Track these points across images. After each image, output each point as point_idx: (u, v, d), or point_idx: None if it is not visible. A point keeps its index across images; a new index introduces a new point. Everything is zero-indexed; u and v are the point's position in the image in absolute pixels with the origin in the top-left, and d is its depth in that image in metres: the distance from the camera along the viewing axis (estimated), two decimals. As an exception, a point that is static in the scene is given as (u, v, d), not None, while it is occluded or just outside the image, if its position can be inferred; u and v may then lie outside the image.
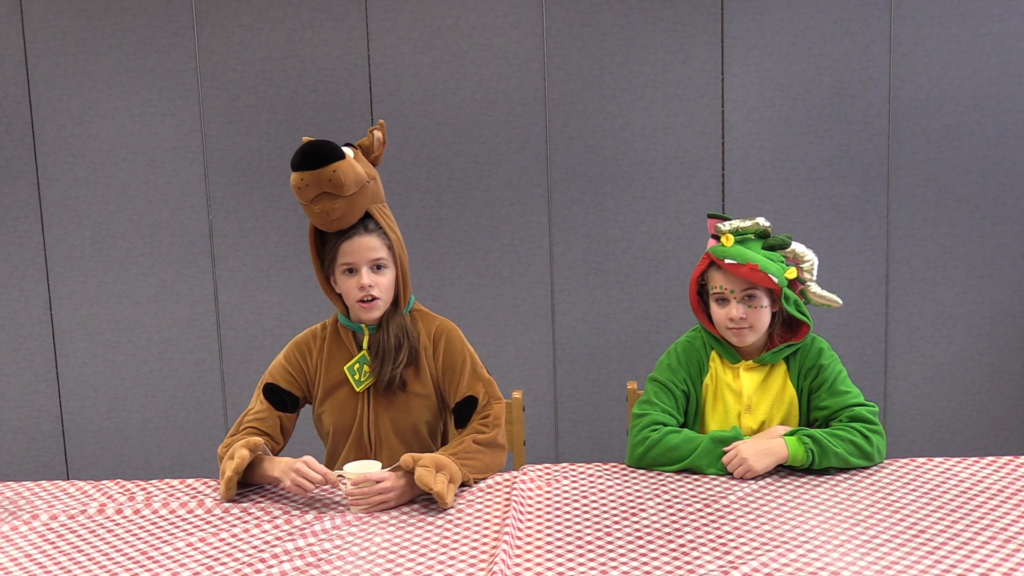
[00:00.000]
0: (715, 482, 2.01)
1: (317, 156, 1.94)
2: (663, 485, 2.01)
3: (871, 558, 1.63)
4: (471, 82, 3.56)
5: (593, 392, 3.70)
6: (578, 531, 1.80)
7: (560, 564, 1.66)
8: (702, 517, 1.83)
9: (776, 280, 2.09)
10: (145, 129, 3.61)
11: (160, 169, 3.63)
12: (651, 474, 2.08)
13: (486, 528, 1.83)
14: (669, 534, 1.76)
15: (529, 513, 1.89)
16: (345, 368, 2.15)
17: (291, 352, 2.20)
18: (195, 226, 3.65)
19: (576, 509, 1.90)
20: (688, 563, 1.64)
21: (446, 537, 1.79)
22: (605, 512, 1.88)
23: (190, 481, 2.13)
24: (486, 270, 3.64)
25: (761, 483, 1.99)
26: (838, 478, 2.01)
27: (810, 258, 2.16)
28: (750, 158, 3.56)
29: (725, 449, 2.06)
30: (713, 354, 2.21)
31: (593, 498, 1.96)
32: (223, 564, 1.70)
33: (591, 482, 2.04)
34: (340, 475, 1.94)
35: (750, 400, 2.17)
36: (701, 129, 3.55)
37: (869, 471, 2.05)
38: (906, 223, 3.57)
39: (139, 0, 3.54)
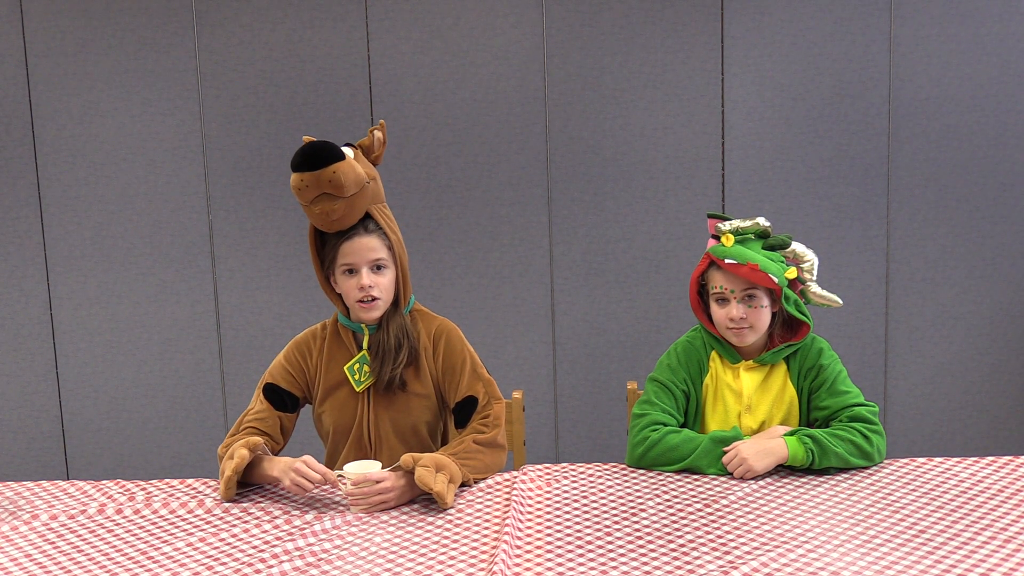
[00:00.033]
0: (715, 482, 2.01)
1: (317, 157, 1.94)
2: (663, 485, 2.01)
3: (871, 558, 1.63)
4: (471, 82, 3.56)
5: (593, 392, 3.70)
6: (578, 531, 1.80)
7: (560, 564, 1.66)
8: (702, 517, 1.83)
9: (776, 280, 2.09)
10: (145, 129, 3.61)
11: (160, 169, 3.63)
12: (651, 474, 2.08)
13: (486, 528, 1.83)
14: (669, 534, 1.76)
15: (529, 513, 1.89)
16: (345, 368, 2.15)
17: (291, 352, 2.20)
18: (195, 226, 3.65)
19: (576, 509, 1.90)
20: (688, 563, 1.64)
21: (446, 537, 1.79)
22: (605, 512, 1.88)
23: (190, 481, 2.13)
24: (486, 270, 3.64)
25: (761, 483, 1.99)
26: (838, 478, 2.01)
27: (810, 258, 2.16)
28: (750, 158, 3.56)
29: (725, 449, 2.06)
30: (713, 354, 2.21)
31: (593, 498, 1.96)
32: (223, 564, 1.70)
33: (591, 482, 2.04)
34: (340, 475, 1.94)
35: (750, 400, 2.17)
36: (701, 129, 3.55)
37: (869, 471, 2.04)
38: (906, 223, 3.57)
39: (139, 0, 3.54)
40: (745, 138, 3.55)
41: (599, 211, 3.60)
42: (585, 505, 1.92)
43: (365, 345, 2.14)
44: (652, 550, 1.70)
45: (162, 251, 3.67)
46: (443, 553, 1.72)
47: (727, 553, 1.67)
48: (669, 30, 3.51)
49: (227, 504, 1.99)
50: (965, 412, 3.67)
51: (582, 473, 2.10)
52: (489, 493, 2.01)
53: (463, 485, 2.05)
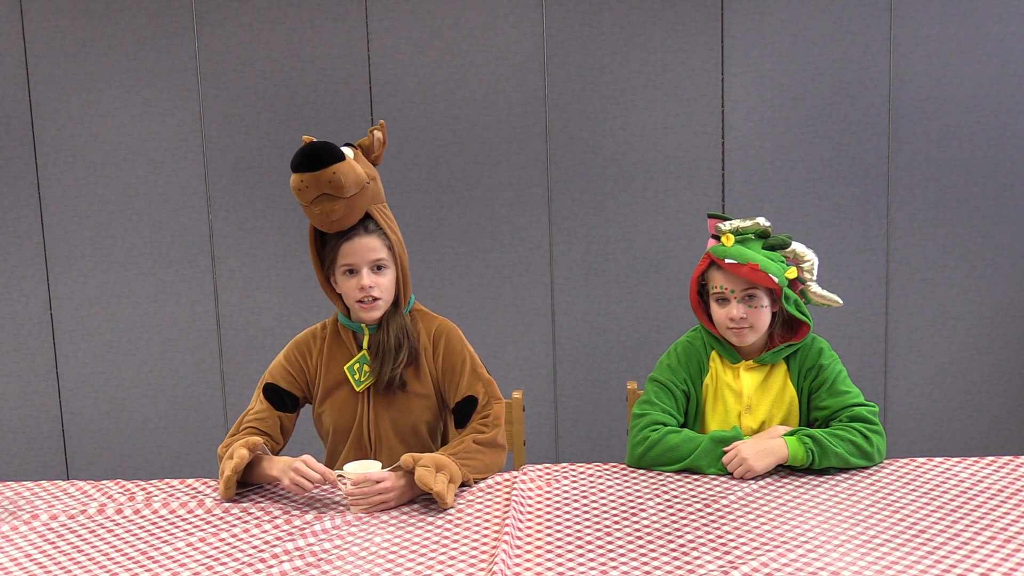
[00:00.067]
0: (715, 482, 2.01)
1: (317, 158, 1.94)
2: (663, 485, 2.01)
3: (871, 558, 1.63)
4: (471, 82, 3.56)
5: (593, 392, 3.70)
6: (578, 531, 1.80)
7: (560, 564, 1.66)
8: (702, 517, 1.83)
9: (776, 280, 2.09)
10: (145, 129, 3.61)
11: (160, 169, 3.63)
12: (651, 474, 2.08)
13: (486, 528, 1.83)
14: (669, 534, 1.76)
15: (529, 513, 1.89)
16: (345, 368, 2.15)
17: (291, 352, 2.20)
18: (195, 226, 3.65)
19: (576, 509, 1.90)
20: (688, 563, 1.64)
21: (446, 537, 1.79)
22: (605, 512, 1.88)
23: (190, 481, 2.13)
24: (486, 270, 3.64)
25: (761, 483, 1.99)
26: (838, 478, 2.01)
27: (810, 258, 2.16)
28: (750, 158, 3.56)
29: (725, 449, 2.06)
30: (713, 354, 2.21)
31: (593, 498, 1.96)
32: (223, 564, 1.70)
33: (591, 482, 2.04)
34: (340, 475, 1.94)
35: (750, 400, 2.17)
36: (701, 129, 3.55)
37: (869, 471, 2.04)
38: (906, 223, 3.57)
39: (139, 0, 3.54)
40: (745, 138, 3.55)
41: (599, 211, 3.60)
42: (585, 505, 1.92)
43: (365, 345, 2.14)
44: (652, 550, 1.70)
45: (162, 251, 3.67)
46: (443, 553, 1.72)
47: (727, 553, 1.67)
48: (669, 30, 3.51)
49: (227, 504, 1.99)
50: (965, 412, 3.67)
51: (582, 473, 2.10)
52: (489, 493, 2.01)
53: (463, 485, 2.05)
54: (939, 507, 1.84)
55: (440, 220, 3.62)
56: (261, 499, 2.02)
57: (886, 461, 2.10)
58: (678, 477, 2.05)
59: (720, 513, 1.85)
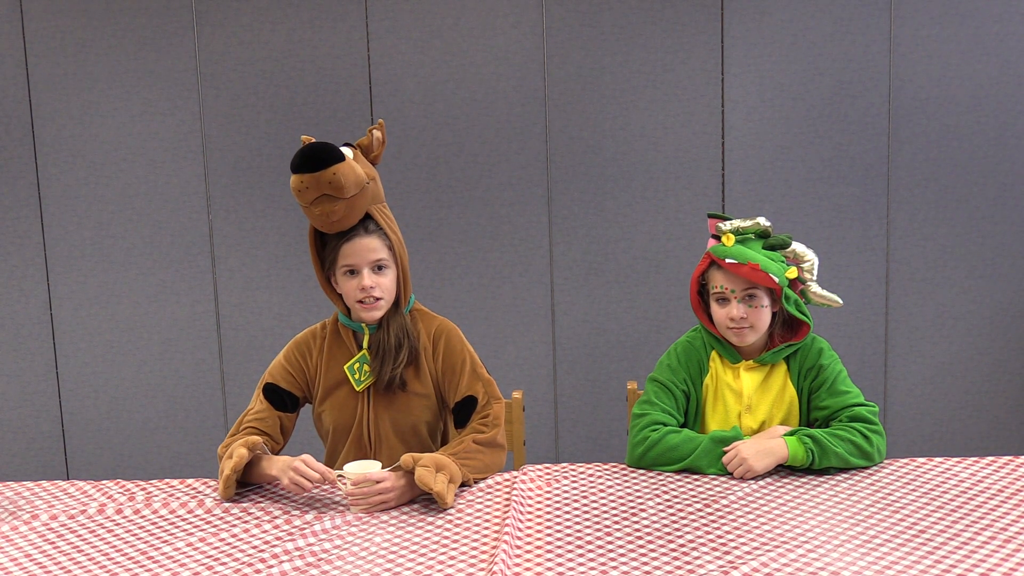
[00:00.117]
0: (715, 482, 2.01)
1: (317, 159, 1.94)
2: (663, 485, 2.01)
3: (871, 558, 1.63)
4: (471, 82, 3.56)
5: (593, 392, 3.70)
6: (578, 531, 1.80)
7: (560, 564, 1.66)
8: (702, 517, 1.83)
9: (777, 280, 2.09)
10: (145, 129, 3.61)
11: (160, 169, 3.63)
12: (651, 474, 2.08)
13: (486, 528, 1.83)
14: (669, 534, 1.76)
15: (529, 513, 1.89)
16: (345, 367, 2.15)
17: (291, 352, 2.20)
18: (195, 226, 3.65)
19: (576, 509, 1.90)
20: (688, 563, 1.64)
21: (446, 537, 1.79)
22: (605, 512, 1.88)
23: (190, 481, 2.13)
24: (486, 270, 3.64)
25: (761, 483, 1.99)
26: (838, 478, 2.01)
27: (810, 258, 2.16)
28: (750, 158, 3.56)
29: (725, 449, 2.06)
30: (713, 354, 2.21)
31: (593, 498, 1.96)
32: (223, 564, 1.70)
33: (591, 482, 2.04)
34: (340, 475, 1.94)
35: (750, 400, 2.17)
36: (701, 129, 3.55)
37: (869, 471, 2.04)
38: (906, 223, 3.57)
39: (139, 0, 3.54)
40: (745, 138, 3.55)
41: (599, 211, 3.60)
42: (585, 505, 1.92)
43: (365, 344, 2.14)
44: (652, 550, 1.70)
45: (162, 251, 3.67)
46: (443, 553, 1.72)
47: (727, 553, 1.67)
48: (669, 30, 3.51)
49: (227, 504, 1.99)
50: (965, 412, 3.67)
51: (582, 473, 2.10)
52: (489, 493, 2.01)
53: (463, 485, 2.05)
54: (939, 507, 1.84)
55: (440, 220, 3.62)
56: (261, 499, 2.02)
57: (886, 461, 2.10)
58: (678, 477, 2.05)
59: (720, 513, 1.85)
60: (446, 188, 3.60)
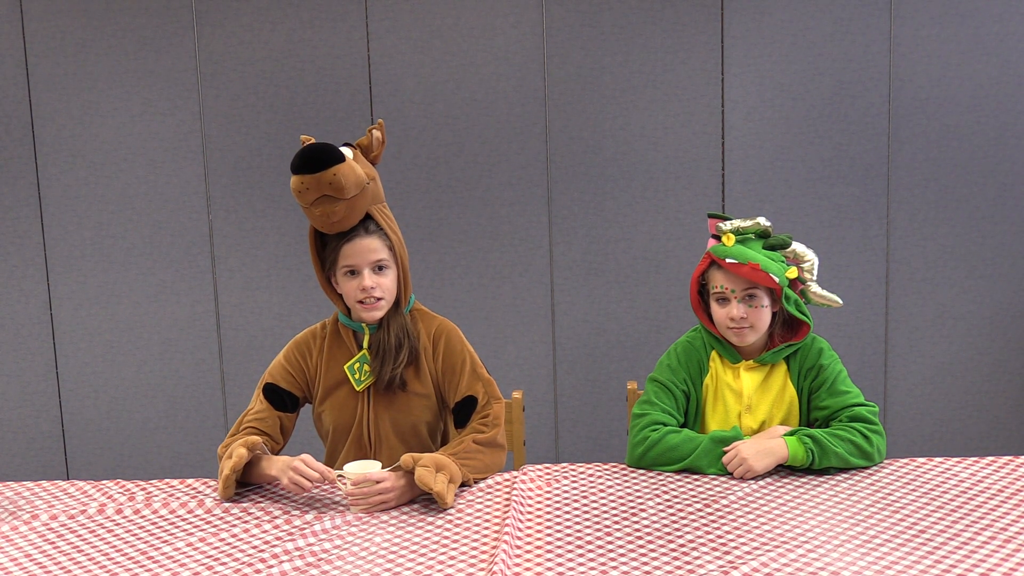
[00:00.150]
0: (715, 482, 2.01)
1: (317, 159, 1.94)
2: (663, 485, 2.01)
3: (871, 558, 1.63)
4: (471, 82, 3.56)
5: (593, 392, 3.70)
6: (578, 531, 1.80)
7: (560, 564, 1.66)
8: (702, 517, 1.83)
9: (777, 279, 2.09)
10: (145, 129, 3.61)
11: (160, 169, 3.63)
12: (651, 474, 2.08)
13: (486, 528, 1.83)
14: (669, 534, 1.76)
15: (529, 513, 1.89)
16: (345, 367, 2.15)
17: (291, 352, 2.20)
18: (195, 226, 3.65)
19: (576, 509, 1.90)
20: (688, 563, 1.64)
21: (446, 537, 1.79)
22: (605, 512, 1.88)
23: (190, 481, 2.13)
24: (486, 270, 3.64)
25: (761, 483, 1.99)
26: (838, 478, 2.01)
27: (810, 258, 2.16)
28: (750, 158, 3.56)
29: (725, 449, 2.06)
30: (713, 354, 2.21)
31: (593, 498, 1.96)
32: (223, 564, 1.70)
33: (591, 482, 2.04)
34: (340, 475, 1.94)
35: (750, 400, 2.17)
36: (701, 129, 3.55)
37: (869, 471, 2.04)
38: (906, 223, 3.57)
39: (139, 0, 3.54)
40: (745, 138, 3.55)
41: (599, 211, 3.60)
42: (585, 505, 1.92)
43: (365, 344, 2.14)
44: (652, 550, 1.70)
45: (162, 251, 3.67)
46: (443, 553, 1.72)
47: (727, 553, 1.67)
48: (669, 30, 3.51)
49: (227, 504, 1.99)
50: (965, 412, 3.67)
51: (582, 473, 2.10)
52: (489, 493, 2.01)
53: (463, 485, 2.05)
54: (939, 507, 1.84)
55: (440, 220, 3.62)
56: (261, 499, 2.02)
57: (886, 461, 2.10)
58: (678, 477, 2.05)
59: (720, 513, 1.85)
60: (446, 188, 3.60)
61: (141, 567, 1.70)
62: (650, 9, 3.50)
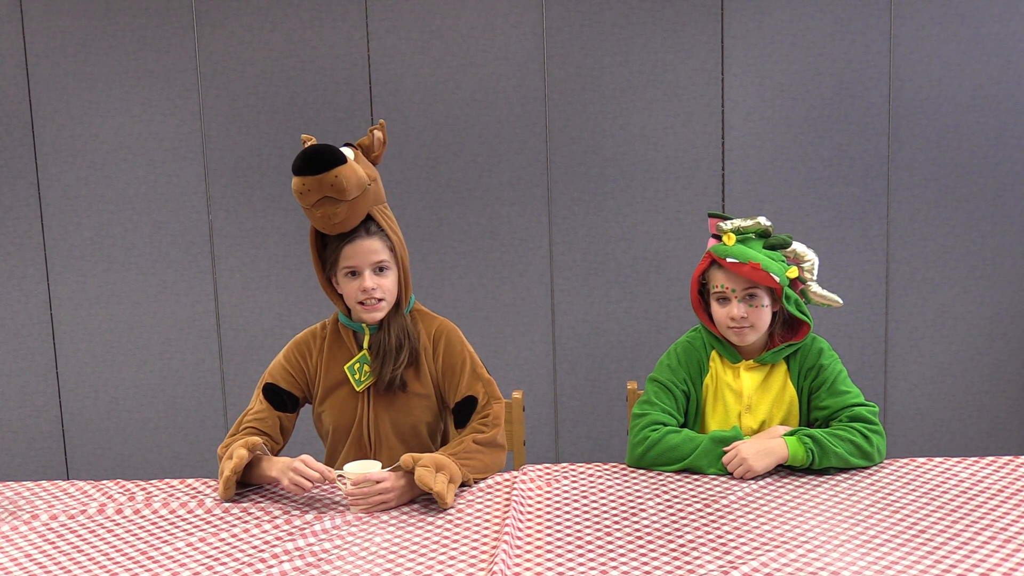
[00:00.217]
0: (715, 482, 2.01)
1: (319, 161, 1.94)
2: (663, 485, 2.01)
3: (871, 558, 1.63)
4: (471, 82, 3.56)
5: (593, 392, 3.70)
6: (578, 531, 1.80)
7: (560, 564, 1.66)
8: (702, 517, 1.83)
9: (777, 279, 2.09)
10: (145, 129, 3.61)
11: (160, 169, 3.63)
12: (651, 474, 2.08)
13: (486, 528, 1.83)
14: (669, 534, 1.76)
15: (529, 513, 1.89)
16: (345, 368, 2.15)
17: (291, 352, 2.20)
18: (195, 226, 3.65)
19: (576, 509, 1.90)
20: (688, 563, 1.64)
21: (446, 537, 1.79)
22: (605, 512, 1.88)
23: (190, 481, 2.13)
24: (486, 270, 3.64)
25: (761, 483, 1.99)
26: (838, 478, 2.01)
27: (811, 258, 2.17)
28: (750, 158, 3.56)
29: (725, 449, 2.06)
30: (713, 354, 2.21)
31: (593, 498, 1.96)
32: (223, 564, 1.70)
33: (591, 482, 2.04)
34: (340, 475, 1.94)
35: (750, 400, 2.17)
36: (701, 129, 3.55)
37: (869, 471, 2.04)
38: (906, 223, 3.57)
39: (139, 0, 3.54)
40: (745, 138, 3.55)
41: (599, 211, 3.60)
42: (585, 505, 1.92)
43: (366, 345, 2.14)
44: (652, 550, 1.70)
45: (162, 251, 3.67)
46: (443, 553, 1.72)
47: (727, 553, 1.67)
48: (669, 30, 3.51)
49: (227, 504, 1.99)
50: (965, 412, 3.67)
51: (582, 473, 2.10)
52: (489, 493, 2.01)
53: (463, 485, 2.05)
54: (939, 507, 1.84)
55: (440, 220, 3.63)
56: (261, 499, 2.02)
57: (886, 461, 2.10)
58: (678, 477, 2.05)
59: (720, 513, 1.85)
60: (446, 188, 3.60)
61: (141, 567, 1.70)
62: (650, 9, 3.50)
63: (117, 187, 3.64)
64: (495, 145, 3.58)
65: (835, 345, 3.54)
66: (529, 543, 1.75)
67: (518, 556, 1.69)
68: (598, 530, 1.80)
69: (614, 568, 1.63)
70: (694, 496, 1.94)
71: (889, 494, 1.91)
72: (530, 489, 2.01)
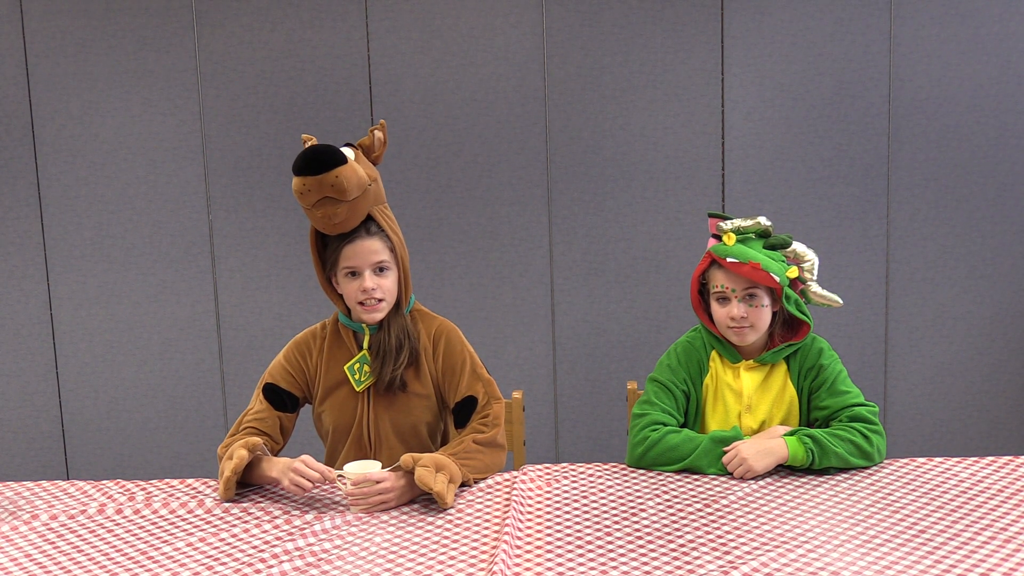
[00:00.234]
0: (715, 482, 2.01)
1: (319, 161, 1.94)
2: (663, 485, 2.01)
3: (871, 558, 1.63)
4: (471, 82, 3.56)
5: (593, 392, 3.70)
6: (578, 531, 1.80)
7: (560, 564, 1.66)
8: (702, 517, 1.83)
9: (777, 279, 2.09)
10: (145, 129, 3.61)
11: (160, 169, 3.63)
12: (651, 474, 2.08)
13: (486, 528, 1.83)
14: (669, 534, 1.76)
15: (529, 513, 1.89)
16: (345, 368, 2.15)
17: (291, 352, 2.20)
18: (195, 226, 3.65)
19: (576, 509, 1.90)
20: (688, 563, 1.64)
21: (446, 537, 1.79)
22: (605, 512, 1.88)
23: (190, 481, 2.13)
24: (486, 270, 3.64)
25: (761, 483, 1.99)
26: (838, 478, 2.01)
27: (811, 258, 2.17)
28: (750, 158, 3.56)
29: (725, 449, 2.06)
30: (713, 354, 2.21)
31: (593, 498, 1.96)
32: (223, 564, 1.70)
33: (591, 482, 2.04)
34: (340, 475, 1.94)
35: (750, 400, 2.17)
36: (701, 129, 3.55)
37: (869, 471, 2.05)
38: (906, 223, 3.57)
39: (139, 0, 3.54)
40: (745, 138, 3.55)
41: (599, 211, 3.60)
42: (585, 505, 1.92)
43: (366, 345, 2.14)
44: (652, 550, 1.70)
45: (162, 251, 3.67)
46: (443, 553, 1.72)
47: (727, 553, 1.67)
48: (669, 30, 3.51)
49: (227, 504, 1.99)
50: (965, 412, 3.67)
51: (582, 473, 2.10)
52: (489, 493, 2.01)
53: (463, 485, 2.05)
54: (939, 507, 1.84)
55: (440, 220, 3.63)
56: (261, 499, 2.02)
57: (886, 461, 2.10)
58: (678, 477, 2.05)
59: (720, 513, 1.85)
60: (446, 188, 3.60)
61: (141, 567, 1.70)
62: (650, 9, 3.50)
63: (117, 187, 3.64)
64: (495, 145, 3.58)
65: (835, 345, 3.54)
66: (529, 543, 1.75)
67: (518, 556, 1.69)
68: (598, 530, 1.80)
69: (614, 568, 1.63)
70: (694, 496, 1.94)
71: (889, 494, 1.91)
72: (530, 489, 2.01)
